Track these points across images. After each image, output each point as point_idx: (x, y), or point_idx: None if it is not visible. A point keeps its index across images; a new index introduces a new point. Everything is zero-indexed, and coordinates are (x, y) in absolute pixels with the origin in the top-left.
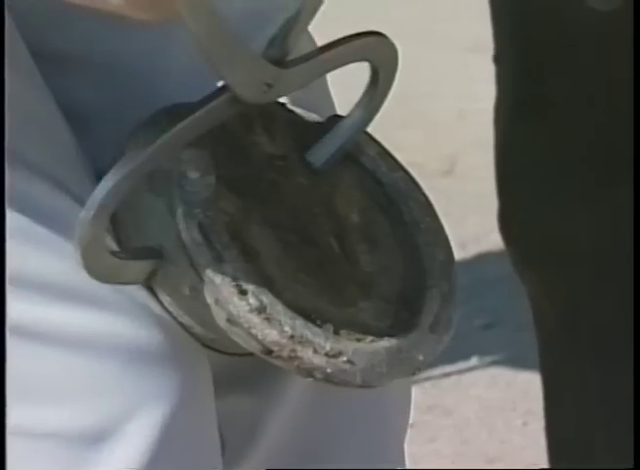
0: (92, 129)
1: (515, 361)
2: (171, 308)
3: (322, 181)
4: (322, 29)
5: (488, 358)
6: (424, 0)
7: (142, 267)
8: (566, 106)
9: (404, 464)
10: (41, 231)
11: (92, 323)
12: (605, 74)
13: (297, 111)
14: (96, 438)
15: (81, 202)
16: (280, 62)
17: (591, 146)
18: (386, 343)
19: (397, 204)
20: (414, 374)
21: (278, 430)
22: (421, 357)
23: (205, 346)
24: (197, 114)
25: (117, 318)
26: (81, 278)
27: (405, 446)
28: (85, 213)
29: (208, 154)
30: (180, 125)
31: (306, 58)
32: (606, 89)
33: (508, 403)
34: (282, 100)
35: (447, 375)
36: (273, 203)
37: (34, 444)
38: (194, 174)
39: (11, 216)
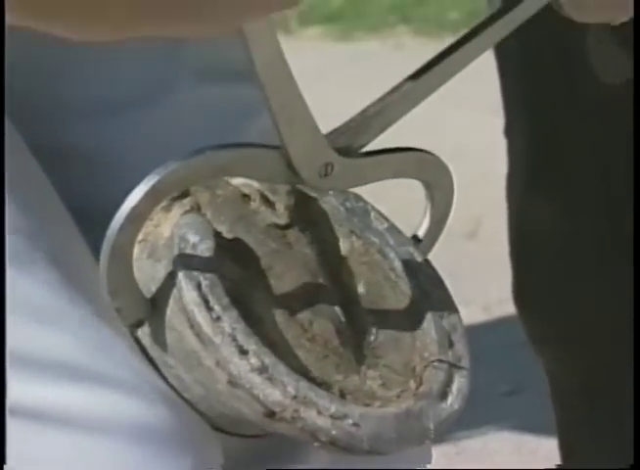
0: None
1: (539, 429)
2: (174, 382)
3: (329, 253)
4: (345, 90)
5: (512, 425)
6: None
7: None
8: (580, 179)
9: None
10: (43, 306)
11: (97, 402)
12: (619, 146)
13: None
14: None
15: (84, 280)
16: (340, 149)
17: (605, 218)
18: (394, 409)
19: (405, 277)
20: (423, 443)
21: None
22: (431, 426)
23: (214, 428)
24: (240, 149)
25: (124, 397)
26: (85, 355)
27: None
28: (116, 220)
29: (207, 220)
30: (222, 152)
31: (363, 154)
32: (619, 161)
33: None
34: None
35: (471, 441)
36: (276, 272)
37: None
38: (193, 238)
39: (11, 291)
